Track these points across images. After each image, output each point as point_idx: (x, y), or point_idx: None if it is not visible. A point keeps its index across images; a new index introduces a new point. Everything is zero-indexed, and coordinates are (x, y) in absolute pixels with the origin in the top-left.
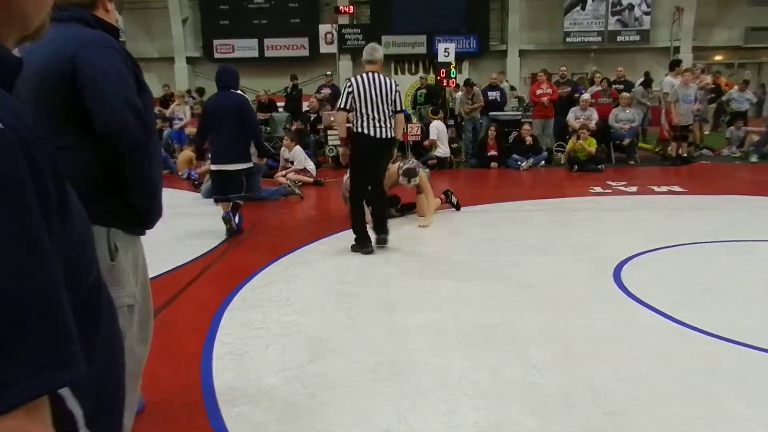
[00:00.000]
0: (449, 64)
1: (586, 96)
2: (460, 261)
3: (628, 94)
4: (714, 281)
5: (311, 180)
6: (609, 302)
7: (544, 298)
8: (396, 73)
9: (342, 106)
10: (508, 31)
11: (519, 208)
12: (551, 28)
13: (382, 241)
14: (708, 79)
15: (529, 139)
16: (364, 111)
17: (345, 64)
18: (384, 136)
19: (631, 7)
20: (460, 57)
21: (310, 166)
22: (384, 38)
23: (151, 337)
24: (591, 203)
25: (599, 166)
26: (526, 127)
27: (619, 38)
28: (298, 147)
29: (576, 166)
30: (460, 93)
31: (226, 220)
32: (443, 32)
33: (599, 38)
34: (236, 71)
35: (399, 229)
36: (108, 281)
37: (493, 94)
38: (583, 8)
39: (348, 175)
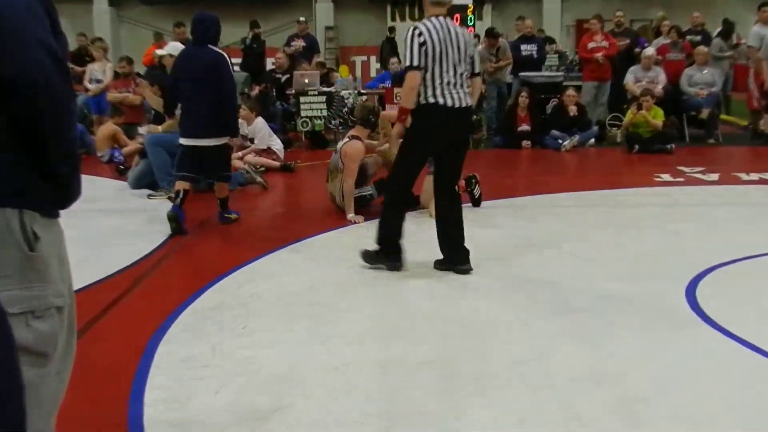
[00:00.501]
0: (465, 7)
1: (649, 51)
2: (477, 274)
3: (705, 49)
4: None
5: (278, 164)
6: (680, 331)
7: (592, 326)
8: (393, 19)
9: (416, 63)
10: None
11: (558, 202)
12: None
13: (465, 272)
14: None
15: (573, 110)
16: (437, 72)
17: (324, 7)
18: (463, 104)
19: None
20: None
21: (277, 145)
22: None
23: (74, 356)
24: (657, 196)
25: (668, 146)
26: (570, 92)
27: None
28: (260, 119)
29: (637, 146)
30: (480, 47)
31: (172, 218)
32: None
33: None
34: (216, 20)
35: None
36: (27, 278)
37: (526, 49)
38: None
39: (370, 159)
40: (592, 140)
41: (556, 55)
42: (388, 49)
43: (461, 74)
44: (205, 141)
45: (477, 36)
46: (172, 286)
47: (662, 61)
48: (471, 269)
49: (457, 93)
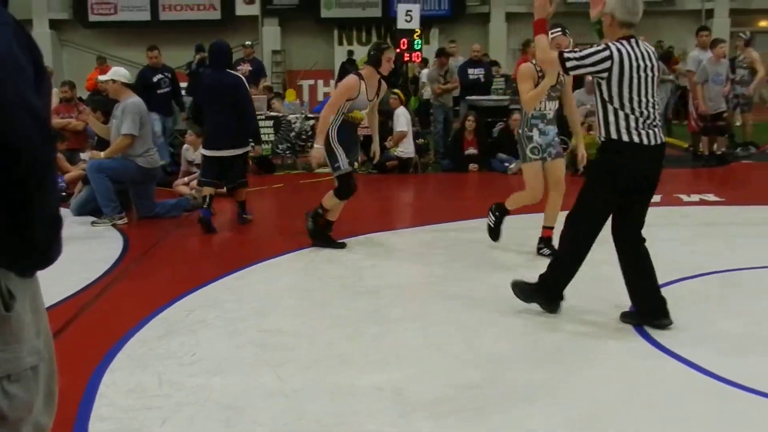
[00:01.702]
0: (413, 31)
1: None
2: (428, 299)
3: None
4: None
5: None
6: (628, 351)
7: (543, 348)
8: (341, 43)
9: (571, 66)
10: None
11: (506, 225)
12: None
13: (665, 326)
14: (753, 54)
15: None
16: (628, 103)
17: (271, 31)
18: (660, 141)
19: None
20: (427, 22)
21: None
22: None
23: (56, 402)
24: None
25: None
26: (517, 116)
27: None
28: None
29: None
30: (426, 70)
31: (204, 221)
32: None
33: None
34: (229, 47)
35: (341, 255)
36: (2, 339)
37: (473, 72)
38: None
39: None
40: None
41: (503, 79)
42: (350, 72)
43: (655, 104)
44: (227, 152)
45: (425, 60)
46: (118, 314)
47: None
48: (671, 322)
49: (654, 127)
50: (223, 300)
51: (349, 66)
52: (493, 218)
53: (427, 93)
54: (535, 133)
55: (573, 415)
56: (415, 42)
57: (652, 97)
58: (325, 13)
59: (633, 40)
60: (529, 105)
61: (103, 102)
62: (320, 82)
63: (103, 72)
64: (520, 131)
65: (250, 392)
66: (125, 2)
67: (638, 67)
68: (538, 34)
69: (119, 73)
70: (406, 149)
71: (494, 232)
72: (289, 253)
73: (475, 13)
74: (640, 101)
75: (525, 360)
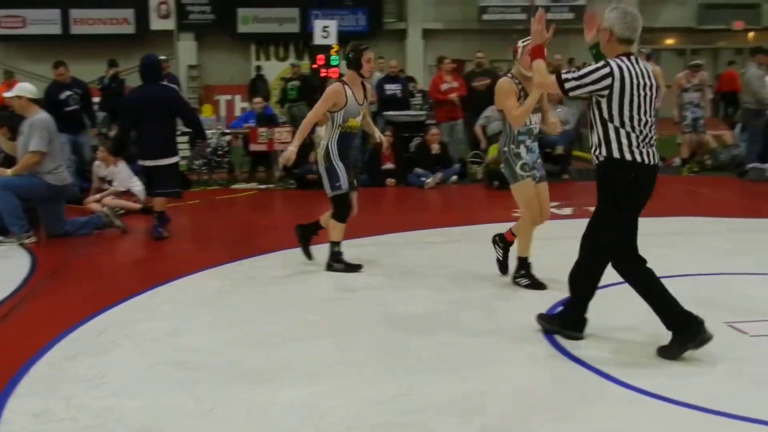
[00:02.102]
0: (329, 47)
1: None
2: (343, 313)
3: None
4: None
5: (138, 206)
6: (538, 361)
7: (458, 360)
8: (258, 58)
9: (572, 80)
10: (408, 4)
11: (422, 239)
12: (464, 2)
13: (703, 342)
14: (656, 69)
15: (436, 148)
16: (629, 121)
17: (187, 45)
18: (656, 161)
19: None
20: (344, 38)
21: (137, 187)
22: (241, 12)
23: None
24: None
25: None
26: (434, 131)
27: (548, 15)
28: (119, 161)
29: (497, 182)
30: None
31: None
32: (322, 5)
33: (524, 15)
34: (158, 60)
35: (259, 270)
36: None
37: (390, 88)
38: None
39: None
40: (455, 177)
41: (420, 95)
42: (260, 87)
43: (653, 122)
44: (157, 162)
45: (342, 75)
46: (24, 336)
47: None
48: (711, 335)
49: (653, 146)
50: (136, 319)
51: (259, 81)
52: (500, 251)
53: None
54: (522, 150)
55: (490, 422)
56: (332, 58)
57: (651, 116)
58: (242, 29)
59: (632, 57)
60: (519, 121)
61: (9, 117)
62: (237, 97)
63: (10, 87)
64: (506, 149)
65: (162, 413)
66: (35, 15)
67: (638, 84)
68: (536, 59)
69: (25, 88)
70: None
71: (503, 266)
72: (205, 269)
73: (393, 29)
74: (640, 119)
75: (442, 371)
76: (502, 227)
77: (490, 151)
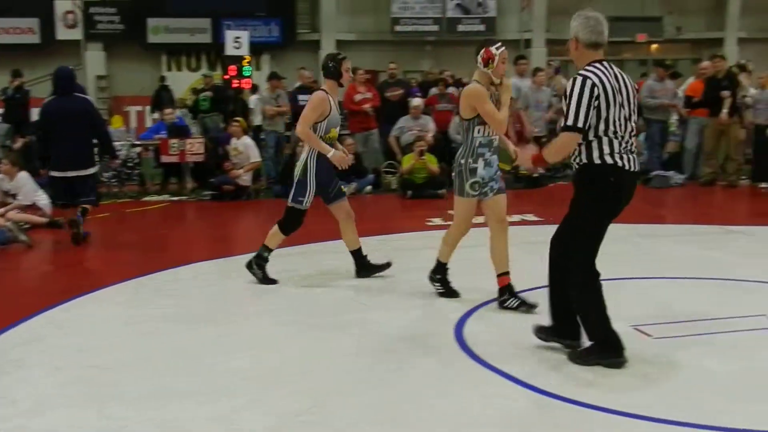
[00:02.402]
0: (242, 58)
1: (417, 102)
2: (259, 326)
3: None
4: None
5: (44, 220)
6: (449, 369)
7: (370, 369)
8: (170, 69)
9: (581, 124)
10: (321, 15)
11: (337, 248)
12: (377, 13)
13: (574, 347)
14: (562, 81)
15: (350, 158)
16: (612, 127)
17: (95, 55)
18: (637, 168)
19: None
20: (257, 49)
21: (42, 200)
22: (151, 22)
23: None
24: (429, 239)
25: (440, 191)
26: (349, 141)
27: (460, 27)
28: (23, 174)
29: (411, 192)
30: (255, 96)
31: (75, 222)
32: (234, 15)
33: (436, 27)
34: (73, 72)
35: (169, 284)
36: None
37: (303, 99)
38: None
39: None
40: (369, 187)
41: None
42: (164, 98)
43: (632, 128)
44: (74, 173)
45: (255, 87)
46: None
47: (433, 111)
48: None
49: (633, 152)
50: (45, 335)
51: (164, 92)
52: (439, 285)
53: (258, 119)
54: (480, 164)
55: None
56: (244, 69)
57: (632, 122)
58: (152, 39)
59: (605, 63)
60: (504, 125)
61: None
62: (148, 108)
63: None
64: (462, 161)
65: None
66: None
67: (618, 89)
68: (542, 164)
69: None
70: (247, 177)
71: (450, 293)
72: (116, 284)
73: (306, 40)
74: (620, 125)
75: (357, 384)
76: (417, 236)
77: (404, 161)
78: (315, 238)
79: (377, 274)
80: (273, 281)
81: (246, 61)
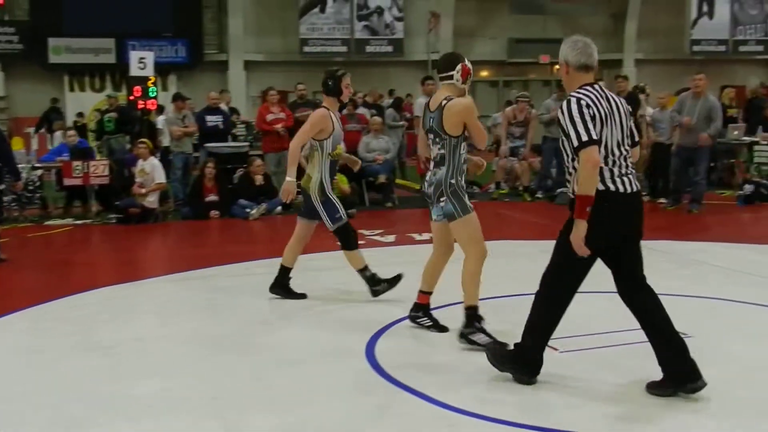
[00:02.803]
0: (147, 78)
1: None
2: (169, 352)
3: (379, 119)
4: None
5: None
6: (363, 388)
7: (280, 391)
8: (72, 89)
9: (595, 135)
10: (229, 36)
11: (247, 270)
12: (285, 34)
13: (699, 388)
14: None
15: (260, 179)
16: (603, 150)
17: None
18: (636, 188)
19: (380, 11)
20: (164, 69)
21: None
22: (52, 42)
23: None
24: (340, 260)
25: (350, 211)
26: (257, 162)
27: (368, 48)
28: None
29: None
30: (162, 116)
31: None
32: (139, 35)
33: (345, 48)
34: None
35: (71, 311)
36: None
37: (212, 119)
38: (322, 10)
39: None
40: (279, 208)
41: (243, 126)
42: (54, 121)
43: (627, 149)
44: None
45: (162, 107)
46: None
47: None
48: (705, 383)
49: (631, 173)
50: None
51: (55, 115)
52: (427, 321)
53: (166, 140)
54: (463, 180)
55: None
56: (150, 89)
57: (627, 146)
58: (53, 59)
59: (597, 86)
60: (486, 139)
61: None
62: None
63: None
64: (452, 181)
65: None
66: None
67: (610, 111)
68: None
69: None
70: (153, 199)
71: (438, 327)
72: (15, 312)
73: (214, 60)
74: (615, 149)
75: (268, 403)
76: (328, 256)
77: None
78: (209, 263)
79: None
80: (394, 281)
81: (151, 81)
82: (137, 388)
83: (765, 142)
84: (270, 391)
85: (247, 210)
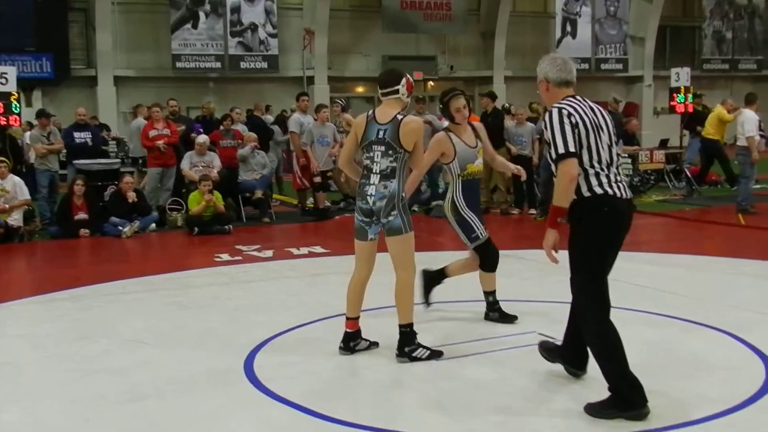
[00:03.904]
0: (9, 94)
1: (202, 139)
2: (35, 374)
3: (253, 134)
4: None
5: None
6: (239, 403)
7: (160, 412)
8: None
9: (573, 149)
10: (97, 51)
11: (122, 289)
12: (157, 50)
13: (578, 375)
14: (347, 117)
15: (132, 196)
16: (596, 155)
17: None
18: (629, 195)
19: (254, 27)
20: (28, 84)
21: None
22: None
23: None
24: (217, 276)
25: (227, 227)
26: (128, 179)
27: (242, 65)
28: None
29: (197, 229)
30: (29, 132)
31: None
32: (1, 51)
33: (219, 64)
34: None
35: None
36: None
37: (80, 136)
38: (195, 26)
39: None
40: (153, 225)
41: (115, 142)
42: None
43: (615, 162)
44: None
45: (30, 124)
46: None
47: (217, 147)
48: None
49: (623, 182)
50: None
51: None
52: (365, 343)
53: (32, 157)
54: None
55: None
56: (13, 105)
57: (614, 154)
58: None
59: (578, 97)
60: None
61: None
62: None
63: None
64: (403, 195)
65: None
66: None
67: (595, 118)
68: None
69: None
70: (18, 217)
71: (435, 354)
72: None
73: (82, 76)
74: (605, 153)
75: (144, 427)
76: (205, 273)
77: (191, 202)
78: (80, 283)
79: None
80: (512, 318)
81: (14, 97)
82: (4, 414)
83: (625, 155)
84: (145, 413)
85: (120, 228)
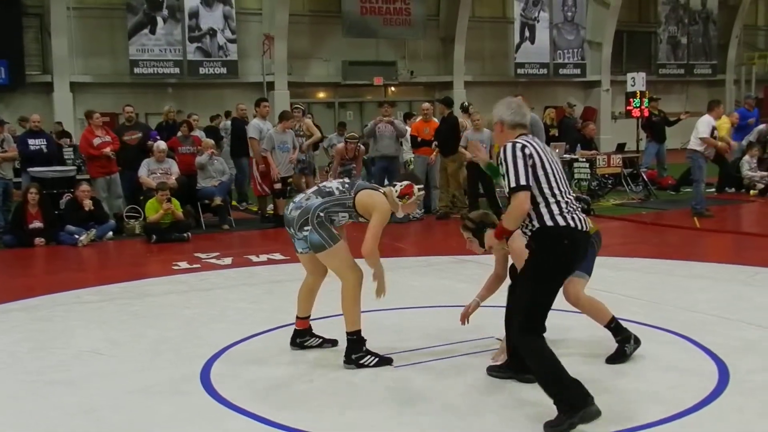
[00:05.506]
0: None
1: (162, 146)
2: None
3: (211, 141)
4: (317, 369)
5: None
6: (196, 413)
7: (115, 423)
8: None
9: (524, 182)
10: (53, 57)
11: (78, 299)
12: (114, 56)
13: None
14: (308, 122)
15: (89, 204)
16: (554, 185)
17: None
18: (586, 227)
19: (213, 33)
20: None
21: None
22: None
23: None
24: (175, 284)
25: (185, 234)
26: (84, 186)
27: (201, 70)
28: None
29: (155, 236)
30: None
31: None
32: None
33: (177, 69)
34: None
35: None
36: None
37: (35, 143)
38: (152, 31)
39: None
40: (110, 233)
41: (71, 149)
42: None
43: (570, 192)
44: None
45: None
46: None
47: (176, 154)
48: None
49: (580, 213)
50: None
51: None
52: (316, 340)
53: None
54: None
55: None
56: None
57: (568, 187)
58: None
59: (530, 136)
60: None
61: None
62: None
63: None
64: (322, 214)
65: None
66: None
67: (547, 156)
68: (506, 234)
69: None
70: None
71: (330, 341)
72: None
73: (38, 82)
74: (559, 189)
75: None
76: (163, 281)
77: (148, 210)
78: (34, 293)
79: None
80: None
81: None
82: None
83: (583, 159)
84: (101, 425)
85: (76, 236)
